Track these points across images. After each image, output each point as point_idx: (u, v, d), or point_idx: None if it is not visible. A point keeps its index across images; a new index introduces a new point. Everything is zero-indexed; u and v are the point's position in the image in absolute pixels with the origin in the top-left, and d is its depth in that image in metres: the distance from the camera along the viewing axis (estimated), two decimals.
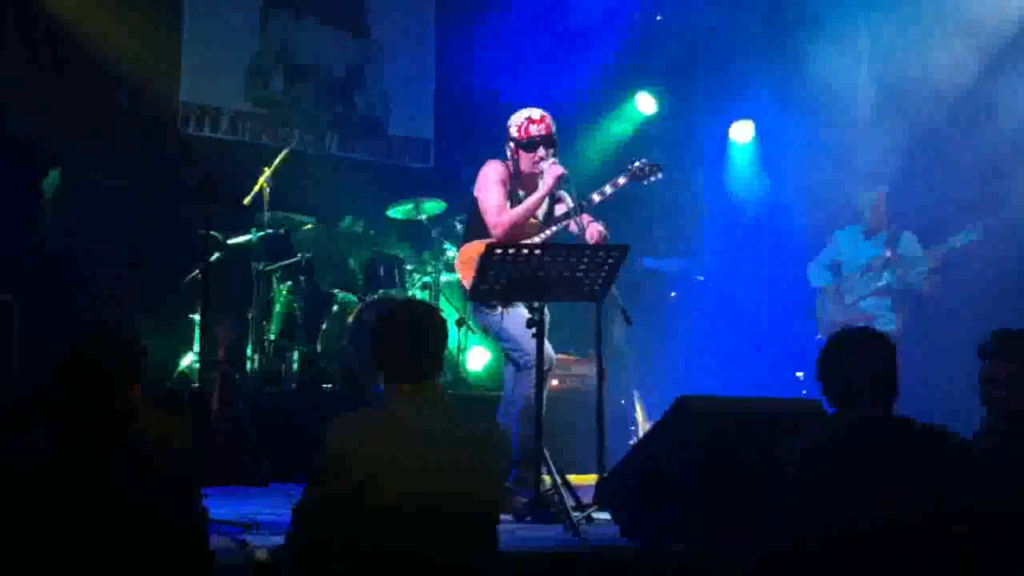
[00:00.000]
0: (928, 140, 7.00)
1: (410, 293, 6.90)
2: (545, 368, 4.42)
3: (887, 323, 6.49)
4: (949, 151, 6.97)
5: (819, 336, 6.80)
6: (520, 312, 4.42)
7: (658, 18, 8.53)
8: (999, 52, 6.81)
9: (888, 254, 6.53)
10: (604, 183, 4.87)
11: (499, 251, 4.03)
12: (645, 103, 8.33)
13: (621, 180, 4.86)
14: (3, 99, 6.52)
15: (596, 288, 4.19)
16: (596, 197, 4.79)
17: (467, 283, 4.59)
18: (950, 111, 7.03)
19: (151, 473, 2.61)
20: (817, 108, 7.68)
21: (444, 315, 3.08)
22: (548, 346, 4.59)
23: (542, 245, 4.40)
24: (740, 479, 3.40)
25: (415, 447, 2.73)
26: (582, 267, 4.09)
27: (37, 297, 5.76)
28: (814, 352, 5.99)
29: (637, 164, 4.93)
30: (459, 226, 6.92)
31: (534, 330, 4.17)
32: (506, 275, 4.05)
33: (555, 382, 5.06)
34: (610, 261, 4.10)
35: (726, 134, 8.37)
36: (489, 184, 4.92)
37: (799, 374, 7.14)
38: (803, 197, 7.60)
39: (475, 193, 4.98)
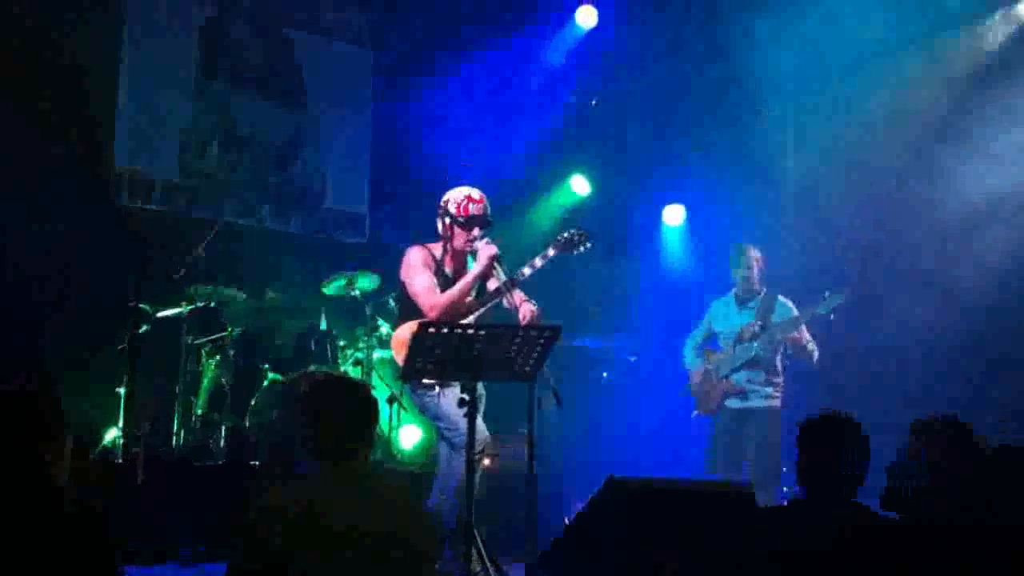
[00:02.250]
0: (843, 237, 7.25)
1: (342, 369, 6.85)
2: (479, 448, 4.41)
3: (760, 398, 6.35)
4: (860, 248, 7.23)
5: (695, 413, 6.65)
6: (455, 392, 4.41)
7: (593, 103, 8.73)
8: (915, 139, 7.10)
9: (758, 325, 6.31)
10: (533, 256, 4.93)
11: (432, 330, 4.03)
12: (579, 185, 8.48)
13: (550, 251, 4.93)
14: None
15: (528, 368, 4.21)
16: (527, 270, 4.86)
17: (400, 360, 4.58)
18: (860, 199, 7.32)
19: (73, 534, 2.55)
20: (746, 196, 7.91)
21: (374, 393, 3.07)
22: (482, 425, 4.59)
23: (475, 325, 4.41)
24: (670, 558, 3.41)
25: (338, 524, 2.70)
26: (515, 347, 4.11)
27: None
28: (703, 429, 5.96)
29: (565, 234, 5.01)
30: (392, 302, 6.94)
31: (472, 409, 4.15)
32: (438, 354, 4.05)
33: (487, 462, 5.04)
34: (543, 341, 4.12)
35: (659, 216, 8.54)
36: (414, 269, 4.98)
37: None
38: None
39: (402, 278, 5.04)
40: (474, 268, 4.89)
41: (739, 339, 6.38)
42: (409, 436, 6.93)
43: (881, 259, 7.18)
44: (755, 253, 6.47)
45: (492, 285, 4.98)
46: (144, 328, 6.29)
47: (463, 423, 4.13)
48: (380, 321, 6.99)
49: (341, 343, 6.98)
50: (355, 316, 7.16)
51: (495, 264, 4.88)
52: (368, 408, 2.97)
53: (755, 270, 6.44)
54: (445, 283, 4.99)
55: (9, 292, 6.38)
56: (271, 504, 2.75)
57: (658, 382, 7.71)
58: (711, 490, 4.00)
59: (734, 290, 6.59)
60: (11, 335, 6.26)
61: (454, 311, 4.85)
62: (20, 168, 6.64)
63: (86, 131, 7.12)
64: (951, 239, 6.84)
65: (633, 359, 7.66)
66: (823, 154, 7.74)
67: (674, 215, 8.51)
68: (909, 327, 6.85)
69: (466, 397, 4.07)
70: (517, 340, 4.09)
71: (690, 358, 6.73)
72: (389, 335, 6.97)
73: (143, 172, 7.54)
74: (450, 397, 4.52)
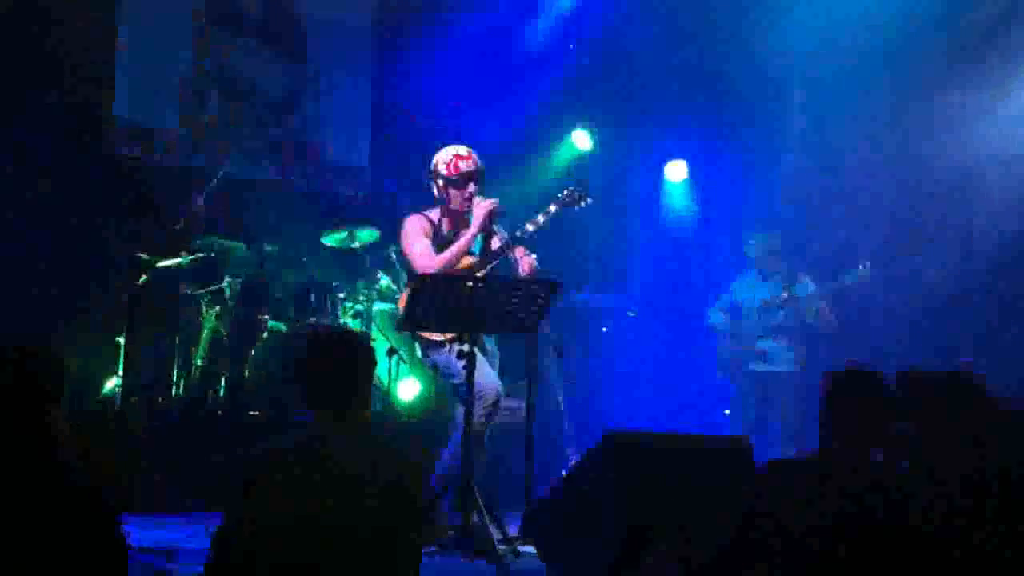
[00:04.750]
0: (839, 185, 7.20)
1: (342, 322, 6.85)
2: (492, 400, 4.43)
3: (784, 363, 6.66)
4: (856, 196, 7.18)
5: (720, 375, 6.97)
6: (452, 344, 4.41)
7: (571, 46, 8.61)
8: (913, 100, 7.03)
9: (785, 295, 6.62)
10: (535, 213, 4.91)
11: (431, 281, 4.02)
12: (581, 140, 8.41)
13: (552, 208, 4.93)
14: None
15: (530, 321, 4.21)
16: (530, 227, 4.84)
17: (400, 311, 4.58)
18: (861, 158, 7.26)
19: (72, 495, 2.56)
20: (749, 150, 7.87)
21: (373, 345, 3.07)
22: (493, 378, 4.59)
23: (474, 277, 4.41)
24: (665, 513, 3.43)
25: (333, 473, 2.70)
26: (515, 300, 4.11)
27: None
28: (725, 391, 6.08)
29: (566, 192, 5.01)
30: (393, 255, 6.93)
31: (471, 360, 4.16)
32: (437, 305, 4.05)
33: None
34: (543, 295, 4.12)
35: (661, 172, 8.49)
36: (410, 236, 4.97)
37: (727, 412, 7.23)
38: (733, 237, 7.75)
39: (401, 247, 5.06)
40: (472, 226, 4.86)
41: (765, 307, 6.66)
42: (408, 389, 6.94)
43: (888, 212, 7.13)
44: (774, 240, 6.82)
45: (495, 243, 4.95)
46: (143, 278, 6.27)
47: (464, 375, 4.13)
48: (380, 274, 6.98)
49: (341, 295, 6.97)
50: (355, 268, 7.14)
51: (493, 220, 4.86)
52: (366, 360, 2.97)
53: (773, 250, 6.80)
54: (444, 248, 4.96)
55: (6, 242, 6.35)
56: (267, 453, 2.76)
57: (658, 337, 7.74)
58: (706, 444, 4.01)
59: (755, 267, 6.91)
60: (9, 285, 6.25)
61: (454, 270, 4.84)
62: (16, 117, 6.58)
63: (84, 80, 7.04)
64: (959, 192, 6.80)
65: (633, 314, 7.66)
66: (827, 107, 7.67)
67: (676, 170, 8.46)
68: (920, 281, 6.83)
69: (465, 349, 4.07)
70: (518, 293, 4.09)
71: (718, 320, 6.99)
72: (389, 287, 6.97)
73: (143, 121, 7.47)
74: (451, 349, 4.50)
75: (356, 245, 6.94)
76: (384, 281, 6.97)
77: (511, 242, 4.75)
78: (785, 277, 6.71)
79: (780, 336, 6.68)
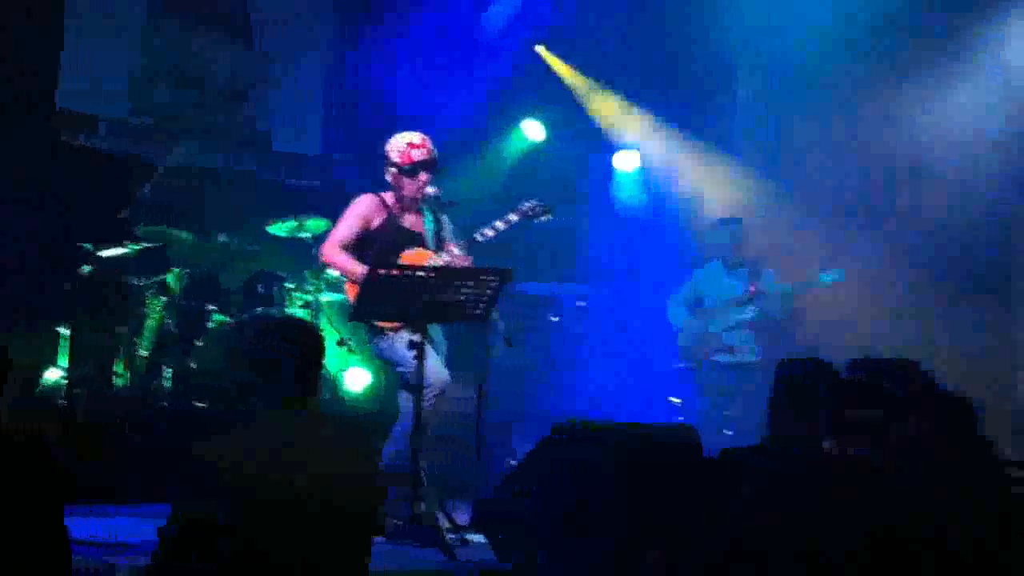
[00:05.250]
0: (792, 177, 7.28)
1: (290, 312, 6.78)
2: (435, 391, 4.42)
3: (750, 354, 6.76)
4: (811, 192, 7.27)
5: (682, 365, 7.04)
6: (407, 334, 4.39)
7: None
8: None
9: (752, 289, 6.73)
10: (495, 219, 4.92)
11: (382, 272, 4.01)
12: (533, 129, 8.40)
13: (513, 217, 4.96)
14: None
15: (479, 311, 4.21)
16: (489, 233, 4.88)
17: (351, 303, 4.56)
18: (819, 152, 7.34)
19: (13, 487, 2.52)
20: (700, 138, 7.93)
21: (322, 335, 3.06)
22: (441, 368, 4.58)
23: (425, 268, 4.40)
24: (614, 501, 3.46)
25: (286, 463, 2.70)
26: (466, 290, 4.11)
27: None
28: (685, 381, 6.18)
29: (529, 205, 5.02)
30: None
31: (421, 351, 4.15)
32: (388, 297, 4.04)
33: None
34: (493, 284, 4.13)
35: (611, 161, 8.52)
36: (344, 217, 4.98)
37: (675, 400, 7.29)
38: (685, 228, 7.84)
39: None
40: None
41: (731, 300, 6.76)
42: (357, 379, 6.90)
43: (833, 198, 7.22)
44: (738, 232, 6.88)
45: (445, 231, 4.94)
46: (88, 268, 6.18)
47: (415, 364, 4.12)
48: None
49: (290, 285, 6.90)
50: (304, 259, 7.07)
51: (442, 206, 4.86)
52: (315, 348, 2.97)
53: (741, 242, 6.87)
54: (400, 236, 4.94)
55: None
56: (219, 449, 2.73)
57: (609, 328, 7.77)
58: (655, 433, 4.04)
59: (719, 258, 6.96)
60: None
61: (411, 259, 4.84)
62: None
63: (29, 66, 6.91)
64: (905, 181, 6.90)
65: (583, 304, 7.68)
66: (775, 95, 7.73)
67: (627, 160, 8.48)
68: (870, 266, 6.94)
69: (416, 339, 4.06)
70: (468, 284, 4.09)
71: (679, 313, 7.05)
72: (338, 278, 6.91)
73: (89, 108, 7.34)
74: (403, 340, 4.49)
75: (306, 235, 6.88)
76: (333, 271, 6.91)
77: (466, 247, 4.75)
78: (749, 269, 6.81)
79: (745, 328, 6.78)
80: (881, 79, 7.02)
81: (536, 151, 8.39)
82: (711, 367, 6.85)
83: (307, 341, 2.97)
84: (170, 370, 6.36)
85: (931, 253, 6.73)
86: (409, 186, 4.93)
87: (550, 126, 8.39)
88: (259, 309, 6.60)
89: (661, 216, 8.30)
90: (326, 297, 6.87)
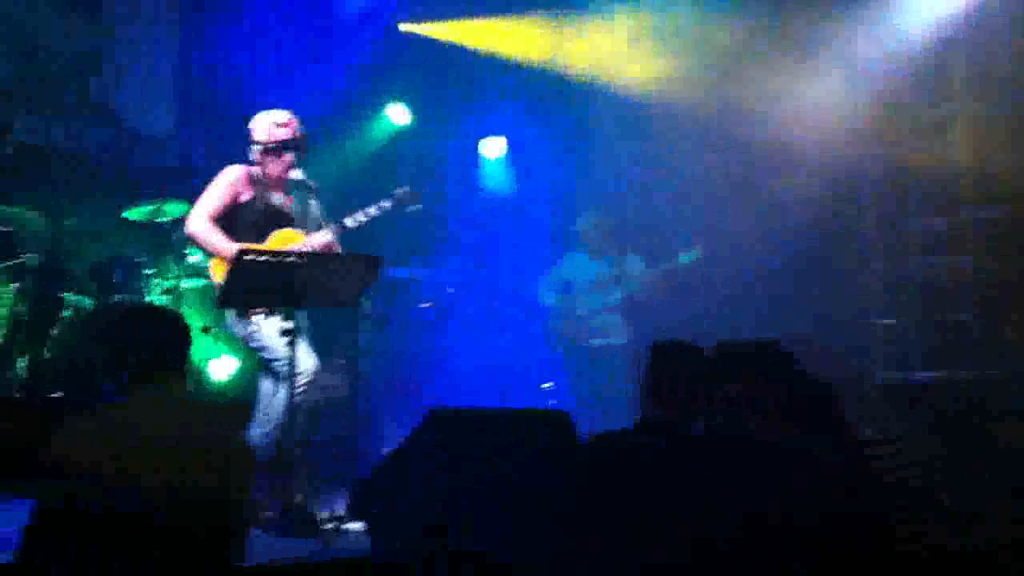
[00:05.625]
0: (658, 163, 7.45)
1: (149, 299, 6.55)
2: (306, 380, 4.35)
3: (617, 337, 6.95)
4: (675, 176, 7.45)
5: (554, 350, 7.22)
6: (277, 320, 4.30)
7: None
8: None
9: (616, 272, 6.96)
10: (367, 205, 4.84)
11: (250, 257, 3.92)
12: (397, 113, 8.33)
13: (386, 203, 4.88)
14: None
15: (351, 296, 4.16)
16: (362, 218, 4.80)
17: (217, 281, 4.44)
18: (680, 134, 7.50)
19: None
20: (565, 126, 8.01)
21: (185, 321, 2.99)
22: (311, 353, 4.51)
23: (295, 252, 4.31)
24: (488, 484, 3.49)
25: (146, 450, 2.64)
26: (337, 276, 4.05)
27: None
28: (556, 365, 6.28)
29: (401, 191, 4.96)
30: None
31: (288, 338, 4.08)
32: (257, 281, 3.95)
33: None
34: (365, 270, 4.08)
35: (476, 148, 8.53)
36: (216, 184, 4.84)
37: (546, 385, 7.40)
38: (552, 214, 7.93)
39: None
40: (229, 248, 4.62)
41: (598, 285, 6.96)
42: (223, 367, 6.73)
43: (704, 187, 7.39)
44: (606, 220, 7.14)
45: (313, 217, 4.85)
46: None
47: (287, 352, 4.05)
48: (190, 250, 6.70)
49: (148, 272, 6.67)
50: (163, 244, 6.84)
51: (308, 190, 4.78)
52: (180, 336, 2.91)
53: (603, 230, 7.10)
54: (269, 214, 4.82)
55: None
56: (75, 436, 2.65)
57: (477, 313, 7.81)
58: (528, 418, 4.08)
59: (586, 246, 7.18)
60: None
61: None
62: None
63: None
64: (765, 168, 7.11)
65: (451, 290, 7.69)
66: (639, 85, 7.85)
67: (493, 147, 8.51)
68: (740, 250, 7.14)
69: (288, 326, 3.98)
70: (340, 269, 4.03)
71: (549, 296, 7.21)
72: (199, 265, 6.71)
73: None
74: (272, 326, 4.40)
75: (165, 220, 6.66)
76: (195, 257, 6.71)
77: (337, 227, 4.68)
78: (615, 255, 6.99)
79: (613, 311, 6.96)
80: (735, 72, 7.21)
81: (402, 135, 8.34)
82: (582, 351, 7.00)
83: (171, 325, 2.92)
84: (24, 359, 6.07)
85: (790, 236, 6.96)
86: (273, 166, 4.82)
87: (416, 111, 8.34)
88: (116, 296, 6.36)
89: (526, 202, 8.37)
90: (188, 284, 6.67)
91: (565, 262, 7.26)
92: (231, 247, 4.49)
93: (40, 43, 7.56)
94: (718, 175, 7.18)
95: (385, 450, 5.78)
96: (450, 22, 8.40)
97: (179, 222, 6.68)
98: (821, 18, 7.00)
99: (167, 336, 2.87)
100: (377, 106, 8.27)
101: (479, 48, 8.29)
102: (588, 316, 7.01)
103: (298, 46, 8.23)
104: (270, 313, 4.42)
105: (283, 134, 4.79)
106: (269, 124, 4.81)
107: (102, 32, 7.92)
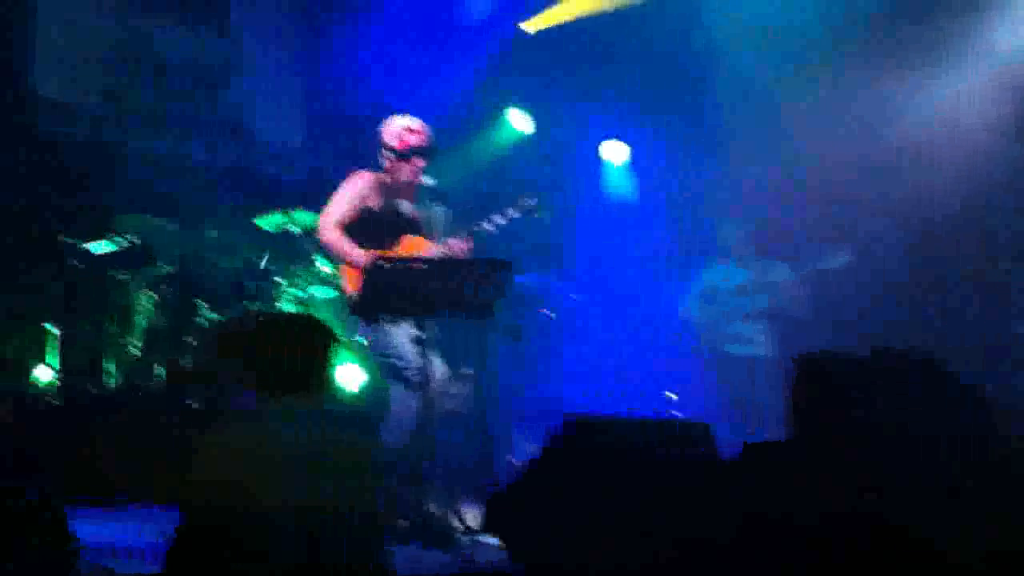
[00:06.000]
0: (795, 163, 7.21)
1: (280, 307, 6.65)
2: (440, 388, 4.32)
3: (760, 347, 6.77)
4: (810, 180, 7.20)
5: (695, 359, 7.06)
6: (408, 328, 4.28)
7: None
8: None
9: (761, 280, 6.79)
10: (493, 213, 4.81)
11: (385, 264, 3.90)
12: (518, 119, 8.30)
13: (511, 212, 4.84)
14: None
15: (486, 304, 4.10)
16: (487, 227, 4.80)
17: (350, 289, 4.45)
18: (808, 138, 7.27)
19: (16, 490, 2.42)
20: (690, 127, 7.85)
21: (331, 331, 2.96)
22: (440, 362, 4.48)
23: (428, 259, 4.29)
24: (627, 497, 3.37)
25: (286, 461, 2.62)
26: (471, 282, 4.00)
27: None
28: (688, 374, 6.14)
29: (527, 201, 4.90)
30: None
31: (419, 346, 4.04)
32: (391, 289, 3.92)
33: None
34: (500, 276, 4.02)
35: (599, 153, 8.44)
36: (344, 190, 4.87)
37: (670, 394, 7.25)
38: (675, 221, 7.78)
39: None
40: (359, 257, 4.63)
41: (741, 292, 6.83)
42: (351, 377, 6.77)
43: (836, 193, 7.16)
44: (746, 227, 7.00)
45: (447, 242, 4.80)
46: (72, 262, 6.03)
47: (419, 360, 4.01)
48: (318, 258, 6.79)
49: (279, 281, 6.77)
50: (293, 253, 6.94)
51: (432, 197, 4.77)
52: (326, 342, 2.88)
53: (747, 236, 6.97)
54: (398, 221, 4.82)
55: None
56: (216, 449, 2.65)
57: (601, 321, 7.70)
58: (667, 428, 3.95)
59: (729, 254, 7.05)
60: None
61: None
62: None
63: (3, 56, 6.72)
64: (903, 167, 6.85)
65: (575, 297, 7.59)
66: (765, 91, 7.65)
67: (615, 152, 8.41)
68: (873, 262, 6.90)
69: (421, 334, 3.95)
70: (473, 275, 3.98)
71: (692, 306, 7.09)
72: (330, 274, 6.78)
73: (65, 97, 7.15)
74: (403, 333, 4.38)
75: (295, 228, 6.75)
76: (324, 266, 6.78)
77: (467, 236, 4.65)
78: (759, 262, 6.84)
79: (757, 320, 6.79)
80: (871, 66, 6.95)
81: (523, 141, 8.30)
82: (725, 360, 6.86)
83: (318, 333, 2.89)
84: (161, 368, 6.21)
85: (934, 239, 6.69)
86: (403, 172, 4.82)
87: (536, 115, 8.30)
88: (248, 304, 6.47)
89: (651, 206, 8.24)
90: (318, 292, 6.74)
91: (706, 271, 7.12)
92: (363, 254, 4.49)
93: (171, 58, 7.77)
94: (858, 175, 6.92)
95: (513, 459, 5.73)
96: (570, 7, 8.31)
97: (309, 231, 6.79)
98: (963, 9, 6.70)
99: (315, 341, 2.84)
100: (499, 112, 8.26)
101: (597, 10, 8.14)
102: (732, 325, 6.86)
103: (421, 54, 8.27)
104: (401, 321, 4.41)
105: (414, 140, 4.79)
106: (400, 129, 4.81)
107: (230, 46, 8.10)
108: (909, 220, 6.74)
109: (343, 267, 4.78)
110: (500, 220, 4.77)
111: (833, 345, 3.34)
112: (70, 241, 5.97)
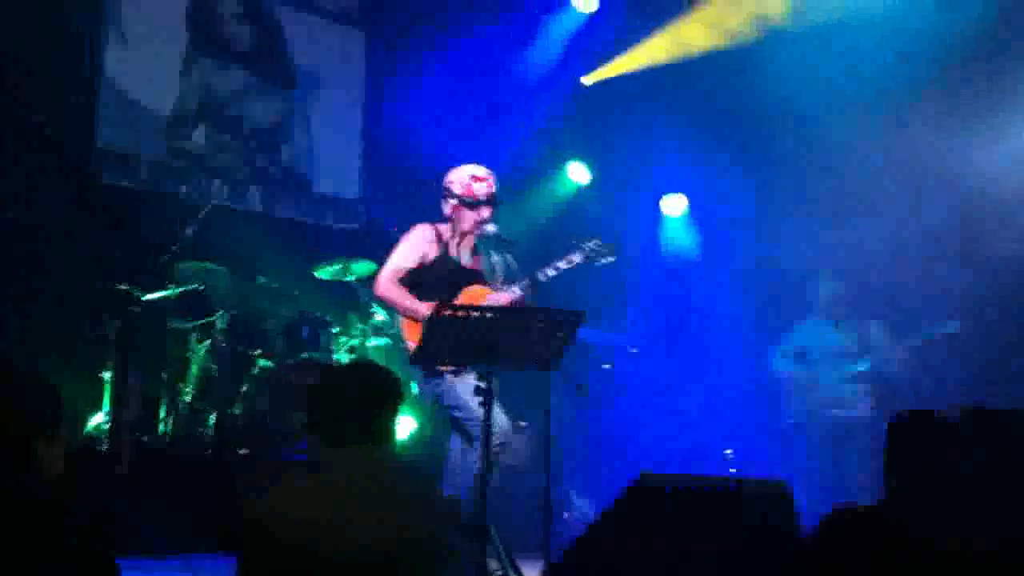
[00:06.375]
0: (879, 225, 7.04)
1: (335, 357, 6.59)
2: (500, 441, 4.18)
3: (858, 409, 6.59)
4: (900, 236, 7.02)
5: (790, 421, 6.82)
6: (470, 379, 4.16)
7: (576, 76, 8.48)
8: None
9: (859, 342, 6.60)
10: (555, 259, 4.67)
11: (448, 312, 3.79)
12: (577, 172, 8.25)
13: (575, 258, 4.68)
14: None
15: (548, 356, 3.97)
16: (551, 272, 4.62)
17: (411, 343, 4.35)
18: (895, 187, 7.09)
19: (70, 539, 2.32)
20: (751, 185, 7.72)
21: (396, 379, 2.85)
22: (503, 416, 4.35)
23: (493, 308, 4.18)
24: (699, 562, 3.20)
25: (350, 512, 2.50)
26: (536, 332, 3.87)
27: None
28: (779, 435, 5.91)
29: (591, 244, 4.72)
30: None
31: (481, 398, 3.92)
32: (453, 338, 3.81)
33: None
34: (565, 327, 3.90)
35: (658, 205, 8.33)
36: (403, 244, 4.78)
37: (728, 452, 7.05)
38: (739, 275, 7.61)
39: None
40: (421, 308, 4.50)
41: (841, 355, 6.62)
42: (403, 426, 6.67)
43: (917, 239, 6.97)
44: (843, 286, 6.78)
45: (514, 287, 4.68)
46: (130, 311, 6.01)
47: (481, 412, 3.89)
48: (375, 307, 6.74)
49: (334, 330, 6.72)
50: (348, 303, 6.90)
51: (503, 245, 4.68)
52: (393, 392, 2.78)
53: (845, 299, 6.74)
54: (457, 271, 4.73)
55: None
56: (273, 497, 2.54)
57: (659, 376, 7.55)
58: (742, 486, 3.77)
59: (824, 313, 6.81)
60: None
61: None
62: None
63: (68, 106, 6.79)
64: (985, 218, 6.65)
65: (633, 351, 7.44)
66: (826, 136, 7.50)
67: (674, 205, 8.31)
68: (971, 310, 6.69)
69: (483, 385, 3.83)
70: (538, 325, 3.85)
71: (786, 366, 6.86)
72: (383, 323, 6.72)
73: (128, 148, 7.22)
74: (465, 384, 4.25)
75: (351, 278, 6.72)
76: (379, 316, 6.73)
77: (527, 286, 4.54)
78: (855, 323, 6.68)
79: (856, 382, 6.60)
80: (946, 113, 6.77)
81: (582, 194, 8.24)
82: (822, 423, 6.65)
83: (384, 383, 2.78)
84: (213, 416, 6.15)
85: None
86: (467, 219, 4.74)
87: (595, 168, 8.24)
88: (304, 354, 6.41)
89: (712, 263, 8.10)
90: (372, 342, 6.68)
91: (801, 329, 6.90)
92: (424, 306, 4.40)
93: (235, 112, 7.84)
94: (942, 231, 6.72)
95: (566, 514, 5.56)
96: (625, 54, 8.26)
97: (365, 281, 6.75)
98: None
99: (374, 391, 2.74)
100: (557, 165, 8.21)
101: (660, 62, 8.06)
102: (829, 387, 6.65)
103: (479, 106, 8.28)
104: (462, 371, 4.29)
105: (481, 189, 4.72)
106: (468, 177, 4.74)
107: (293, 101, 8.17)
108: (1001, 276, 6.50)
109: (403, 320, 4.67)
110: (563, 265, 4.62)
111: (931, 406, 3.16)
112: (128, 289, 5.94)
